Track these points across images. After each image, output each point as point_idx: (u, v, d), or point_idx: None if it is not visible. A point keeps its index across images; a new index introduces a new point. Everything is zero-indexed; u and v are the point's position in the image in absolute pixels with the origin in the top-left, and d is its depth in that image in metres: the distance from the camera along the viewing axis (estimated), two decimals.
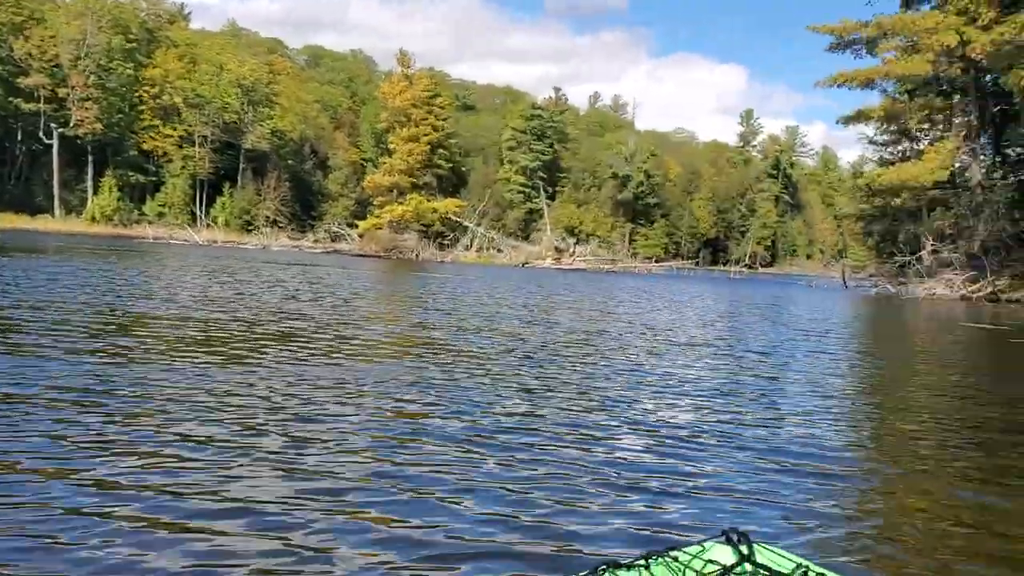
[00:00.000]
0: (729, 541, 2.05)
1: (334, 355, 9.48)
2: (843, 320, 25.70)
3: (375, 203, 69.60)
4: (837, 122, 51.05)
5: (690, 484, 4.98)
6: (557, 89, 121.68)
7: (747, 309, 27.15)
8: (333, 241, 65.51)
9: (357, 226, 68.24)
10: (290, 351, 9.46)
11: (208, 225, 74.55)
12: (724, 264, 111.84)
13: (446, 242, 67.01)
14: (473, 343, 11.69)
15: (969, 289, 42.33)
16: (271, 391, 6.96)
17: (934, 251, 46.55)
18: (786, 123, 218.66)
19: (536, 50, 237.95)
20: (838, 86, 49.52)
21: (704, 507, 4.56)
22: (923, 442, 6.72)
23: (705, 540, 2.17)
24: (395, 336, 12.36)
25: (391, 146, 70.70)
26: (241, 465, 4.81)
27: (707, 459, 5.64)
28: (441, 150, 75.14)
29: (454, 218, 68.21)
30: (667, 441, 6.08)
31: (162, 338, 9.86)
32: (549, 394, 7.85)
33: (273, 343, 10.20)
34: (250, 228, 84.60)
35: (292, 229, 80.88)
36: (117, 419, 5.66)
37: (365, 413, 6.42)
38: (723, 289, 45.01)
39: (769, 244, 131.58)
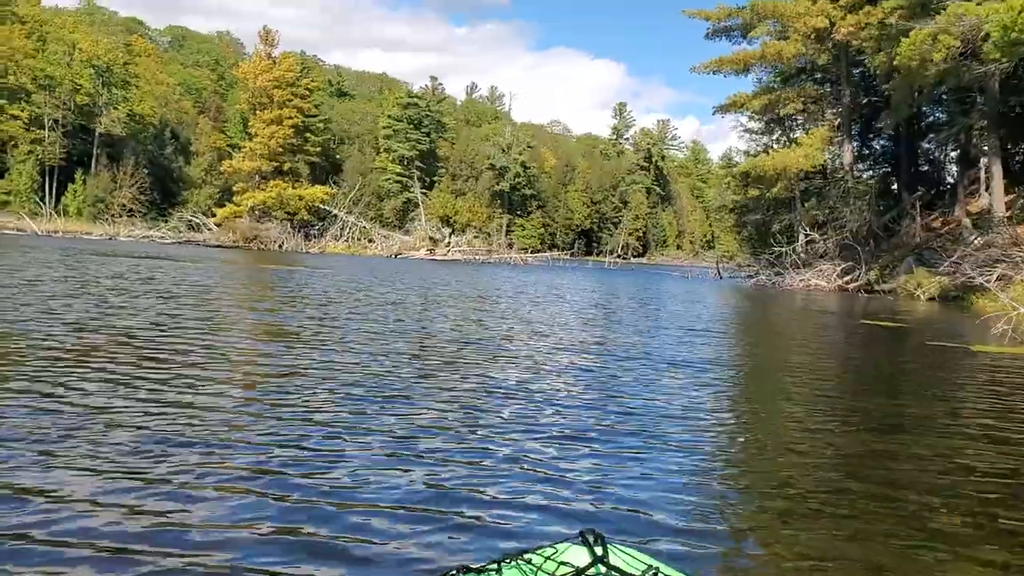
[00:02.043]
0: (585, 542, 2.04)
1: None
2: (723, 312, 23.05)
3: (235, 190, 63.94)
4: (714, 113, 49.36)
5: (559, 486, 4.79)
6: (434, 78, 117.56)
7: (627, 302, 24.05)
8: (190, 231, 59.58)
9: (216, 215, 62.48)
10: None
11: (48, 214, 67.07)
12: (598, 255, 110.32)
13: (314, 232, 61.99)
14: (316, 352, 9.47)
15: (844, 280, 40.84)
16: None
17: (809, 241, 45.06)
18: (658, 117, 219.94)
19: (414, 40, 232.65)
20: (714, 72, 47.56)
21: (571, 509, 4.40)
22: (795, 436, 6.57)
23: (560, 542, 2.19)
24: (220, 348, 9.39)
25: (251, 129, 65.13)
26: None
27: (577, 459, 5.45)
28: (309, 135, 69.94)
29: (322, 206, 63.27)
30: (540, 442, 5.85)
31: None
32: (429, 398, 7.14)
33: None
34: (104, 217, 77.21)
35: (150, 218, 74.20)
36: None
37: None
38: (600, 280, 42.12)
39: (641, 235, 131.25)
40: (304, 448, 5.26)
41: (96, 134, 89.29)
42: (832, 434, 6.70)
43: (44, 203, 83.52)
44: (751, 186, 51.36)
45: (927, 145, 51.83)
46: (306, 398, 6.77)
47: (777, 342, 15.54)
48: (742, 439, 6.52)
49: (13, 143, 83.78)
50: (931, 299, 33.35)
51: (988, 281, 31.41)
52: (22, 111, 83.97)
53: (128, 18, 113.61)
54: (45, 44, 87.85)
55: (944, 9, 31.15)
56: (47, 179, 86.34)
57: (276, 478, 4.64)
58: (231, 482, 4.53)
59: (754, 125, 53.72)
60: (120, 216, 77.89)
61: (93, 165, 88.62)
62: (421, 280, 29.06)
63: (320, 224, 62.79)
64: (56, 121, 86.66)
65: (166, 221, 63.05)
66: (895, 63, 32.81)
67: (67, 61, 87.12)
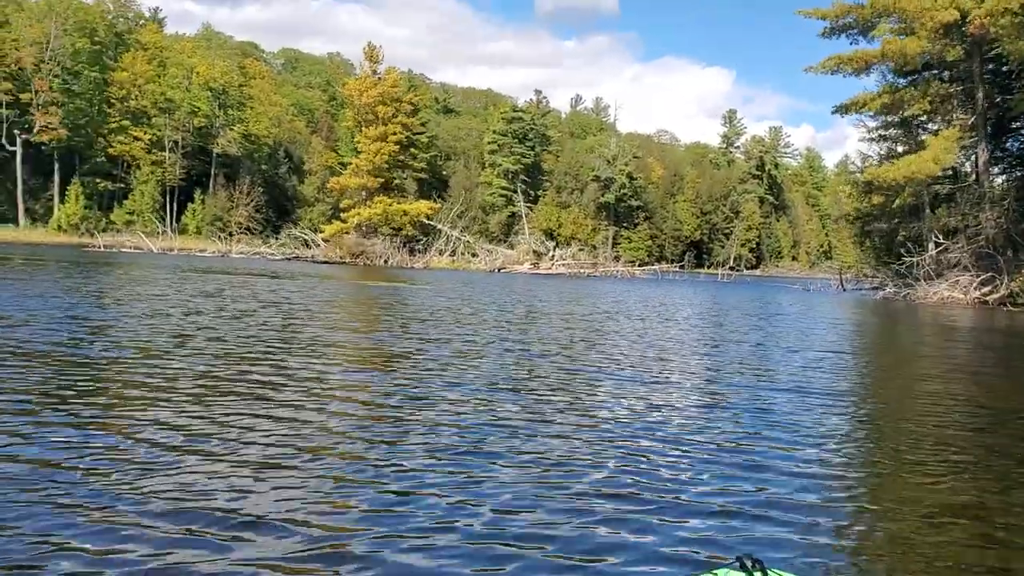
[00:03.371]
0: (743, 567, 2.02)
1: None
2: (855, 329, 20.62)
3: (343, 206, 64.02)
4: (833, 112, 45.99)
5: (702, 506, 4.90)
6: (538, 92, 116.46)
7: (745, 320, 21.91)
8: (300, 247, 59.93)
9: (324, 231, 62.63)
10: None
11: (163, 232, 68.78)
12: (709, 267, 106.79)
13: (419, 247, 61.43)
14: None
15: (982, 292, 37.30)
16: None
17: (941, 250, 41.51)
18: (771, 124, 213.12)
19: (521, 55, 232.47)
20: (832, 72, 44.55)
21: (716, 530, 4.47)
22: (932, 465, 6.21)
23: (718, 568, 2.17)
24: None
25: (358, 146, 65.15)
26: None
27: (719, 481, 5.52)
28: (414, 150, 69.65)
29: (427, 221, 62.69)
30: (677, 463, 5.95)
31: None
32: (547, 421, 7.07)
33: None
34: (222, 235, 78.90)
35: (265, 236, 75.37)
36: None
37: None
38: (714, 295, 39.75)
39: (754, 246, 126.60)
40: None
41: (213, 155, 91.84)
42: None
43: (165, 222, 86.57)
44: (875, 193, 48.01)
45: None
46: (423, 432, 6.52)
47: (934, 373, 13.27)
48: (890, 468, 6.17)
49: (136, 164, 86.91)
50: None
51: None
52: (144, 134, 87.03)
53: (244, 42, 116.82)
54: (165, 69, 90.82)
55: None
56: (168, 199, 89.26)
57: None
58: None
59: (875, 125, 50.33)
60: (237, 234, 79.71)
61: (211, 185, 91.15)
62: (522, 296, 27.55)
63: (425, 239, 62.18)
64: (176, 143, 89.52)
65: (278, 238, 63.67)
66: None
67: (185, 85, 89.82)
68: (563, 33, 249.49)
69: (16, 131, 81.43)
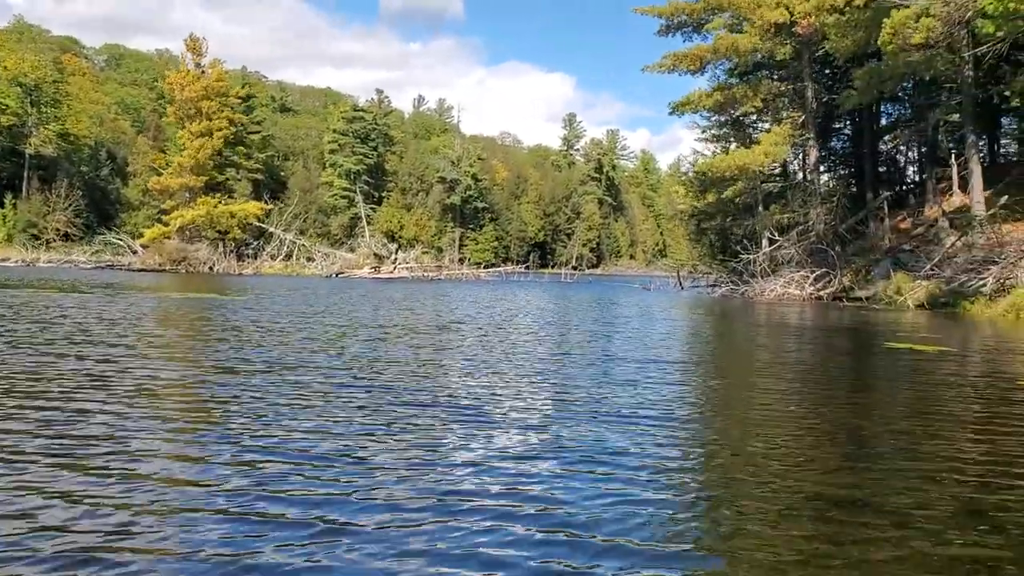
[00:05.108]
0: None
1: None
2: (699, 332, 18.72)
3: (165, 208, 58.40)
4: (670, 113, 44.83)
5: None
6: (380, 91, 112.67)
7: (588, 328, 19.58)
8: (115, 255, 54.06)
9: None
10: None
11: None
12: (552, 267, 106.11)
13: (248, 252, 56.64)
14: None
15: (816, 287, 36.89)
16: None
17: (776, 246, 41.06)
18: (609, 128, 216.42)
19: (366, 56, 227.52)
20: (669, 71, 43.51)
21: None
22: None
23: None
24: None
25: (180, 142, 59.66)
26: None
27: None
28: (243, 148, 64.66)
29: (258, 224, 57.97)
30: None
31: None
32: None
33: None
34: (37, 243, 71.04)
35: (86, 242, 68.25)
36: None
37: None
38: (558, 297, 37.70)
39: (595, 246, 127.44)
40: None
41: (26, 156, 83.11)
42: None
43: None
44: (709, 190, 47.56)
45: (884, 146, 48.71)
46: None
47: (796, 379, 11.07)
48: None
49: None
50: (919, 306, 29.47)
51: (984, 284, 27.86)
52: None
53: (63, 36, 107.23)
54: None
55: None
56: None
57: None
58: None
59: (708, 125, 50.01)
60: (55, 241, 72.12)
61: (24, 188, 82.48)
62: (353, 306, 24.36)
63: (256, 243, 57.50)
64: None
65: (92, 245, 57.45)
66: (878, 43, 28.94)
67: None
68: (408, 35, 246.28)
69: None
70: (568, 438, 6.86)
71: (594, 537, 4.55)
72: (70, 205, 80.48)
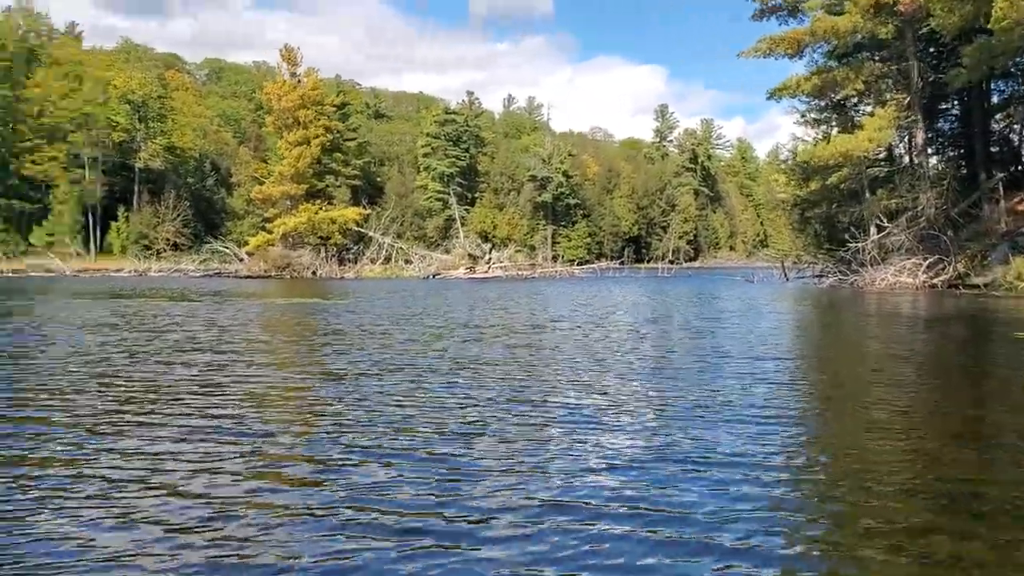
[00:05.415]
0: None
1: None
2: (810, 323, 18.07)
3: (269, 216, 60.24)
4: (768, 98, 43.59)
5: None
6: (470, 93, 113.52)
7: (693, 324, 19.18)
8: (222, 263, 56.11)
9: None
10: None
11: (77, 253, 64.38)
12: (648, 262, 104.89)
13: (349, 256, 57.89)
14: None
15: (930, 275, 35.32)
16: None
17: (885, 233, 39.45)
18: (702, 118, 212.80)
19: (455, 59, 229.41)
20: (765, 55, 42.24)
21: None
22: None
23: None
24: None
25: (279, 152, 61.38)
26: None
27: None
28: (339, 154, 66.09)
29: (358, 229, 59.17)
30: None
31: None
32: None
33: None
34: (148, 253, 74.31)
35: (195, 251, 70.95)
36: None
37: None
38: (656, 292, 37.15)
39: (692, 239, 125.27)
40: None
41: (136, 170, 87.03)
42: None
43: (89, 242, 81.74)
44: (812, 177, 46.05)
45: (996, 125, 46.20)
46: None
47: (914, 372, 10.53)
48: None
49: (53, 183, 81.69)
50: None
51: None
52: (60, 151, 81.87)
53: (166, 54, 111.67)
54: (81, 83, 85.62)
55: None
56: (90, 217, 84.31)
57: None
58: None
59: (808, 109, 48.43)
60: (165, 251, 75.29)
61: (135, 201, 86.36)
62: (454, 306, 24.53)
63: (356, 248, 58.70)
64: (95, 159, 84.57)
65: (200, 254, 59.73)
66: (989, 19, 27.49)
67: (103, 99, 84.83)
68: (498, 35, 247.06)
69: None
70: (679, 440, 6.67)
71: (719, 542, 4.42)
72: (178, 216, 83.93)
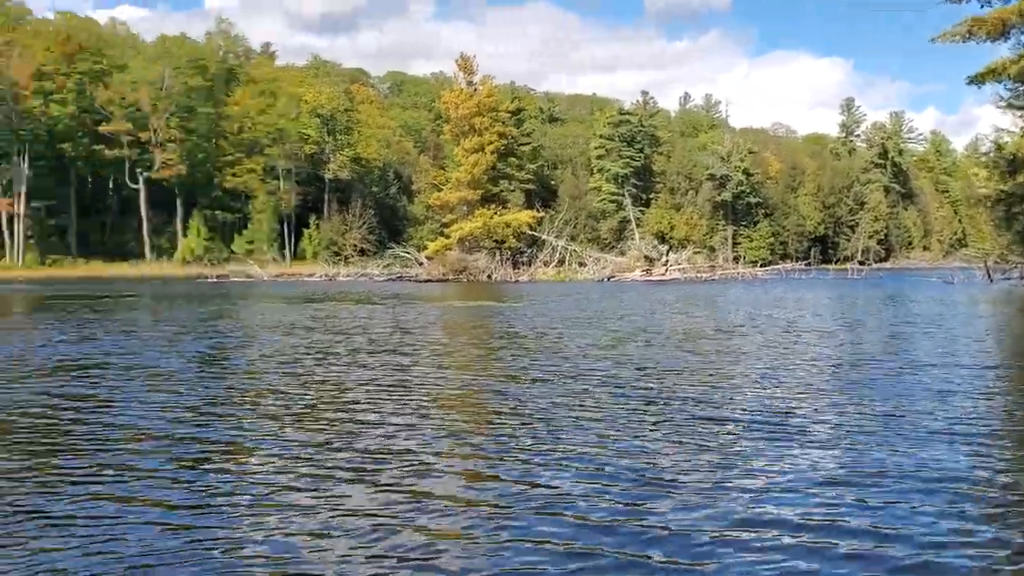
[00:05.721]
0: None
1: None
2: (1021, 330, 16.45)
3: (446, 222, 61.98)
4: (968, 83, 40.36)
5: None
6: (645, 93, 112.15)
7: (891, 322, 17.92)
8: (403, 267, 58.23)
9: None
10: None
11: (273, 260, 68.74)
12: (836, 262, 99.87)
13: (523, 259, 58.49)
14: None
15: None
16: None
17: None
18: (892, 110, 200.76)
19: (630, 58, 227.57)
20: (964, 39, 39.14)
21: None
22: None
23: None
24: None
25: (456, 159, 62.97)
26: None
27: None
28: (514, 159, 67.00)
29: (530, 232, 59.75)
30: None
31: None
32: None
33: None
34: (337, 259, 78.48)
35: (380, 257, 74.27)
36: None
37: None
38: (848, 294, 35.24)
39: (882, 238, 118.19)
40: None
41: (326, 180, 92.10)
42: None
43: (284, 249, 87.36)
44: (1020, 170, 42.21)
45: None
46: None
47: None
48: None
49: (252, 195, 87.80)
50: None
51: None
52: (257, 164, 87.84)
53: (352, 69, 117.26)
54: (275, 100, 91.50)
55: None
56: (284, 226, 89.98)
57: None
58: None
59: (1015, 95, 44.42)
60: (352, 256, 79.28)
61: (325, 210, 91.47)
62: (630, 308, 24.17)
63: (530, 251, 59.27)
64: (289, 171, 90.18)
65: (383, 259, 62.28)
66: None
67: (295, 114, 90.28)
68: (673, 33, 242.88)
69: (138, 169, 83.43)
70: (879, 457, 6.14)
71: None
72: (364, 223, 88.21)
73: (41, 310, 25.28)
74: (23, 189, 74.65)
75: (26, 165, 75.25)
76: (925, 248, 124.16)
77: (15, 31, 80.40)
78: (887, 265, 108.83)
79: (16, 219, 75.14)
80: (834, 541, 4.44)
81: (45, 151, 78.43)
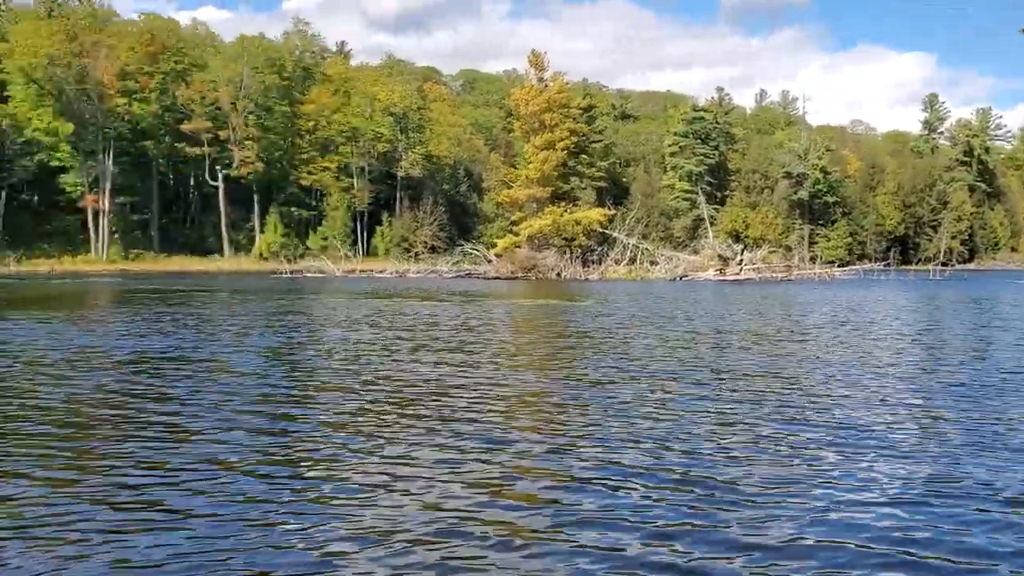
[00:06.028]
0: None
1: None
2: None
3: (515, 219, 61.83)
4: None
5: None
6: (720, 89, 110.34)
7: (979, 327, 17.10)
8: (472, 264, 58.28)
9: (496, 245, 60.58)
10: None
11: (345, 256, 69.46)
12: (917, 263, 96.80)
13: (593, 257, 57.94)
14: None
15: None
16: None
17: None
18: (978, 107, 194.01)
19: (705, 55, 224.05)
20: None
21: None
22: None
23: None
24: None
25: (526, 156, 62.73)
26: None
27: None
28: (585, 156, 66.53)
29: (601, 230, 59.19)
30: None
31: None
32: None
33: None
34: (408, 255, 79.17)
35: (450, 253, 74.74)
36: None
37: None
38: (931, 296, 33.99)
39: (966, 238, 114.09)
40: None
41: (398, 178, 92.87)
42: None
43: (356, 245, 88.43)
44: None
45: None
46: None
47: None
48: None
49: (327, 192, 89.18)
50: None
51: None
52: (332, 162, 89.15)
53: (424, 67, 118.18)
54: (350, 98, 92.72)
55: None
56: (358, 223, 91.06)
57: None
58: None
59: None
60: (423, 253, 79.84)
61: (397, 207, 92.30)
62: (704, 308, 23.63)
63: (600, 249, 58.71)
64: (362, 169, 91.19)
65: (452, 256, 62.55)
66: None
67: (368, 113, 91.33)
68: (749, 30, 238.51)
69: (217, 167, 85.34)
70: (964, 472, 5.73)
71: None
72: (435, 220, 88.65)
73: (121, 303, 25.97)
74: (108, 185, 77.02)
75: (111, 162, 77.58)
76: (1013, 249, 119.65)
77: (101, 32, 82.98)
78: (971, 266, 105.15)
79: (101, 214, 77.55)
80: (907, 558, 4.23)
81: (129, 148, 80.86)
